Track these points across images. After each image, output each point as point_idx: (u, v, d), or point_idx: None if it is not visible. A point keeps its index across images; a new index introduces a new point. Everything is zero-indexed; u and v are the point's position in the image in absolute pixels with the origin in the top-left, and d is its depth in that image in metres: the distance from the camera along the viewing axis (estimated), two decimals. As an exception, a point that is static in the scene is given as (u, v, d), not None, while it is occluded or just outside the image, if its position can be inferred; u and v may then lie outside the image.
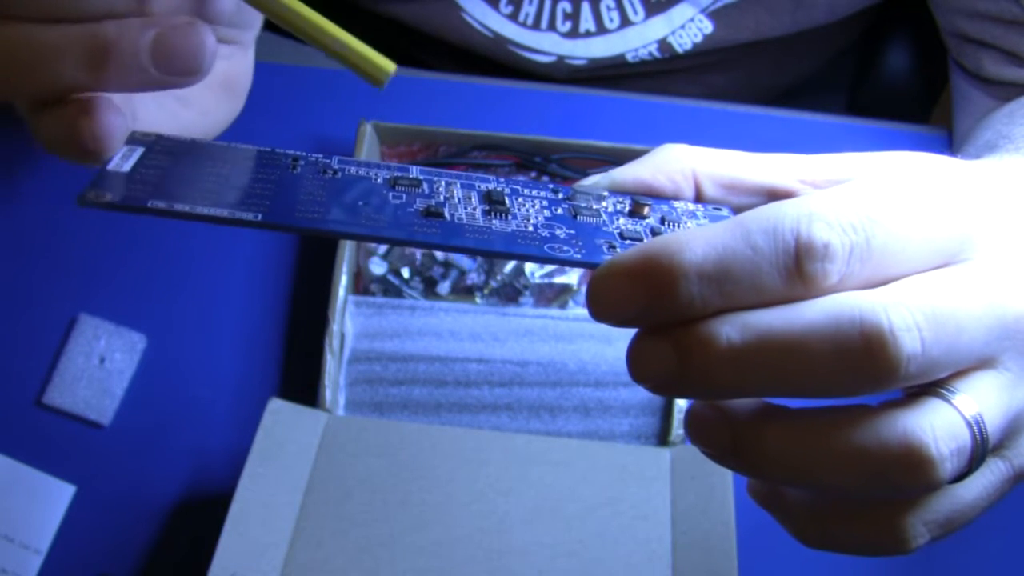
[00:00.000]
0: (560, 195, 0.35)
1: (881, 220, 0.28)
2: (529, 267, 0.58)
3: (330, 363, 0.53)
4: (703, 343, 0.27)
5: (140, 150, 0.33)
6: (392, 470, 0.49)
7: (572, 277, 0.57)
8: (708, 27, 0.67)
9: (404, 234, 0.31)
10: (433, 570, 0.46)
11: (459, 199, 0.33)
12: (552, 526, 0.48)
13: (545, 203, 0.34)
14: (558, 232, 0.32)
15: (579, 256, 0.31)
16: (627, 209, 0.34)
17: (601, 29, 0.68)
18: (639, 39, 0.68)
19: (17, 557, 0.52)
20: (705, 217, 0.35)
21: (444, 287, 0.57)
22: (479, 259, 0.58)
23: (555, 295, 0.57)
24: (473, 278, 0.57)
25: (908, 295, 0.28)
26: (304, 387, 0.54)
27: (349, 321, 0.55)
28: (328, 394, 0.53)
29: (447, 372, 0.55)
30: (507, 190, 0.34)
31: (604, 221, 0.33)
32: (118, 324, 0.57)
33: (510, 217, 0.32)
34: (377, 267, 0.58)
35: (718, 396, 0.30)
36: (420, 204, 0.32)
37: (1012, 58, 0.59)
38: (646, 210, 0.34)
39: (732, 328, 0.27)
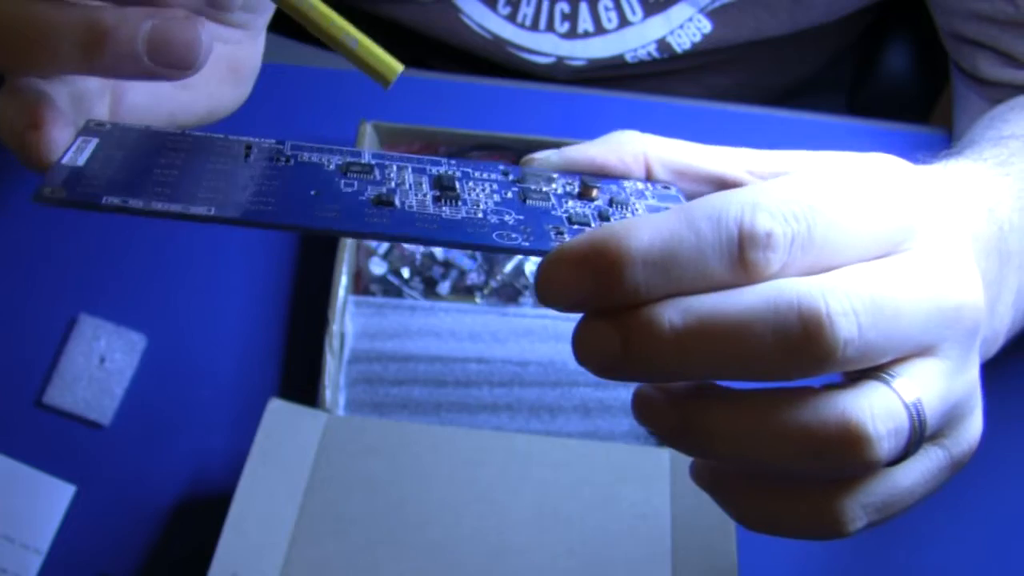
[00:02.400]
0: (510, 177, 0.35)
1: (823, 210, 0.29)
2: (529, 267, 0.58)
3: (330, 363, 0.53)
4: (645, 327, 0.28)
5: (94, 141, 0.33)
6: (392, 470, 0.49)
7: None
8: (707, 27, 0.67)
9: (355, 225, 0.31)
10: (433, 570, 0.46)
11: (410, 185, 0.33)
12: (552, 526, 0.48)
13: (495, 187, 0.34)
14: (507, 218, 0.32)
15: (527, 244, 0.31)
16: (576, 191, 0.35)
17: (599, 29, 0.68)
18: (638, 39, 0.68)
19: (17, 557, 0.52)
20: (654, 196, 0.35)
21: (444, 287, 0.57)
22: (479, 259, 0.58)
23: (555, 295, 0.57)
24: (473, 278, 0.58)
25: (847, 281, 0.28)
26: (304, 387, 0.54)
27: (349, 321, 0.55)
28: (328, 394, 0.53)
29: (447, 372, 0.55)
30: (458, 173, 0.34)
31: (553, 205, 0.34)
32: (118, 324, 0.57)
33: (460, 203, 0.33)
34: (377, 267, 0.58)
35: (661, 379, 0.30)
36: (371, 192, 0.32)
37: (1007, 59, 0.59)
38: (595, 192, 0.34)
39: (674, 312, 0.28)
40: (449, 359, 0.55)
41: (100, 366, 0.56)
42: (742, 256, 0.28)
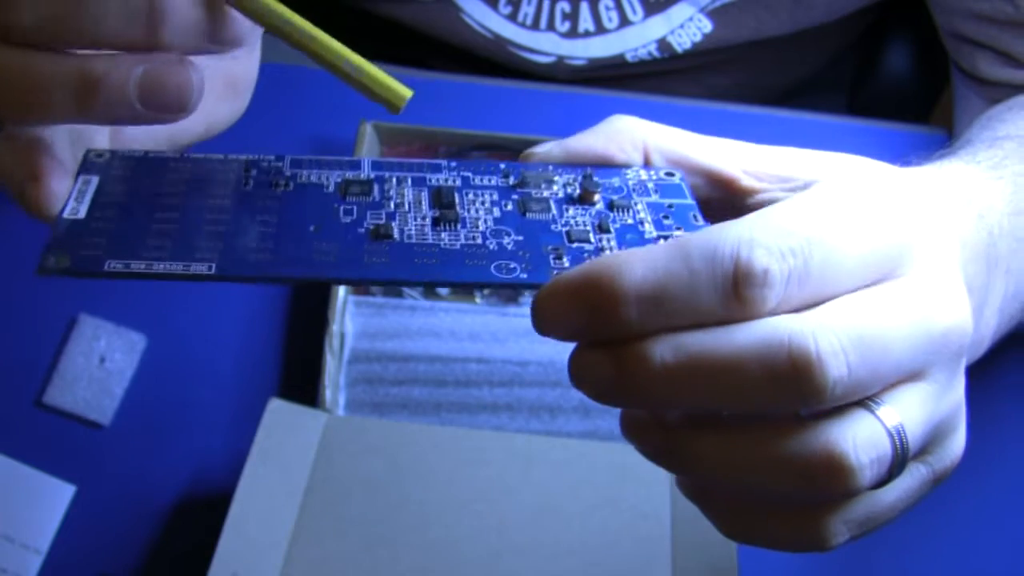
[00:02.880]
0: (511, 180, 0.35)
1: (820, 243, 0.29)
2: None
3: (330, 363, 0.53)
4: (638, 361, 0.28)
5: (94, 181, 0.33)
6: (392, 470, 0.49)
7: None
8: (707, 26, 0.67)
9: (354, 272, 0.31)
10: (433, 570, 0.46)
11: (409, 204, 0.33)
12: (552, 526, 0.48)
13: (495, 196, 0.34)
14: (506, 241, 0.33)
15: (525, 276, 0.32)
16: (577, 193, 0.35)
17: (600, 29, 0.68)
18: (638, 39, 0.68)
19: (17, 557, 0.52)
20: (656, 185, 0.36)
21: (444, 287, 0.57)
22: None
23: (555, 295, 0.57)
24: (473, 278, 0.57)
25: (836, 318, 0.29)
26: (304, 387, 0.54)
27: (349, 321, 0.55)
28: (328, 394, 0.53)
29: (447, 372, 0.55)
30: (458, 182, 0.35)
31: (553, 216, 0.34)
32: (118, 324, 0.57)
33: (459, 226, 0.33)
34: (377, 267, 0.58)
35: (654, 408, 0.31)
36: (370, 221, 0.33)
37: (1007, 59, 0.60)
38: (595, 196, 0.35)
39: (666, 348, 0.28)
40: (449, 359, 0.55)
41: (100, 366, 0.56)
42: (737, 293, 0.28)
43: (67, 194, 0.33)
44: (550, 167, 0.36)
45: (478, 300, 0.57)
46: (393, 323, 0.56)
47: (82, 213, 0.32)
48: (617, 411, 0.53)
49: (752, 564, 0.47)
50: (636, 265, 0.28)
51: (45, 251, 0.31)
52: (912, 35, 0.83)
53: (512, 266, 0.32)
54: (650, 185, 0.35)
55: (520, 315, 0.56)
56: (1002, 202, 0.41)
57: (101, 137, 0.37)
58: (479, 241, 0.32)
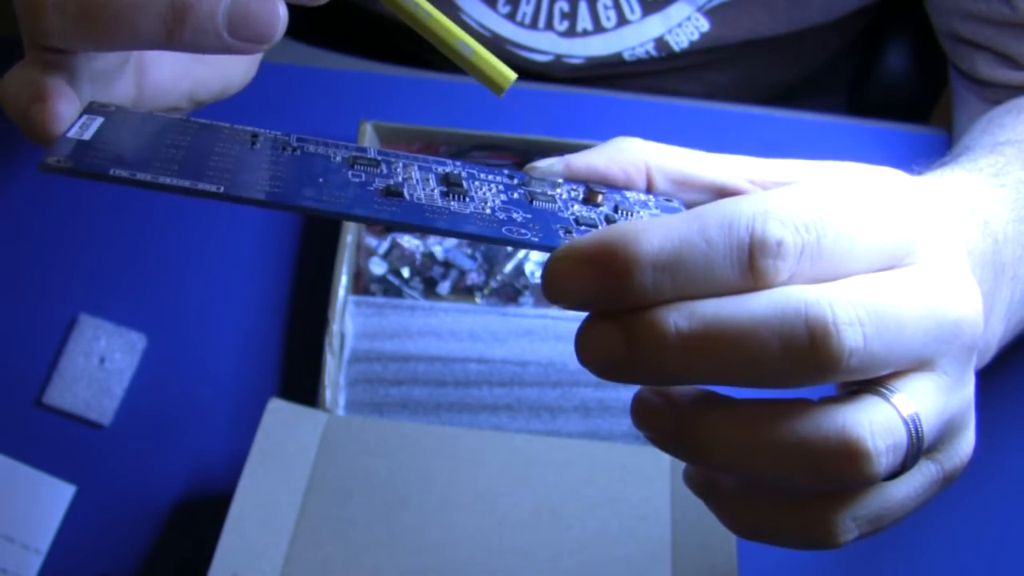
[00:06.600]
0: (515, 180, 0.35)
1: (832, 221, 0.29)
2: (529, 267, 0.58)
3: (330, 363, 0.53)
4: (651, 329, 0.28)
5: (99, 120, 0.33)
6: (392, 470, 0.49)
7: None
8: (705, 25, 0.67)
9: (367, 211, 0.31)
10: (433, 570, 0.46)
11: (417, 180, 0.33)
12: (552, 526, 0.48)
13: (501, 187, 0.34)
14: (515, 216, 0.32)
15: (536, 239, 0.31)
16: (581, 197, 0.35)
17: (598, 28, 0.68)
18: (636, 37, 0.68)
19: (17, 557, 0.52)
20: (657, 207, 0.35)
21: (444, 287, 0.57)
22: (479, 259, 0.58)
23: (555, 295, 0.57)
24: (473, 278, 0.58)
25: (853, 291, 0.29)
26: (304, 387, 0.54)
27: (349, 321, 0.55)
28: (328, 394, 0.53)
29: (447, 372, 0.55)
30: (464, 173, 0.34)
31: (560, 207, 0.34)
32: (118, 324, 0.57)
33: (468, 199, 0.33)
34: (377, 267, 0.58)
35: (664, 382, 0.30)
36: (379, 184, 0.32)
37: (1004, 60, 0.60)
38: (600, 198, 0.35)
39: (680, 316, 0.28)
40: (449, 359, 0.55)
41: (100, 366, 0.56)
42: (752, 263, 0.28)
43: (71, 121, 0.33)
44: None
45: (478, 300, 0.57)
46: (393, 323, 0.56)
47: (87, 136, 0.32)
48: (617, 411, 0.52)
49: (752, 565, 0.47)
50: (653, 232, 0.28)
51: (47, 151, 0.30)
52: (912, 35, 0.83)
53: (523, 232, 0.32)
54: (651, 204, 0.35)
55: (520, 315, 0.56)
56: (1006, 209, 0.41)
57: (125, 82, 0.37)
58: (488, 212, 0.32)
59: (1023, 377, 0.56)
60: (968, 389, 0.32)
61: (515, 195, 0.34)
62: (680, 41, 0.68)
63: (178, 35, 0.32)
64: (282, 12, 0.33)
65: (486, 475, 0.49)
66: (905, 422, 0.29)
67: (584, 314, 0.30)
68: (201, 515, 0.52)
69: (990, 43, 0.60)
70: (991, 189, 0.41)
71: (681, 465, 0.49)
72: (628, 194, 0.36)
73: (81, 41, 0.33)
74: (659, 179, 0.36)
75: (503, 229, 0.31)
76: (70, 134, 0.32)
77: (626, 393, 0.54)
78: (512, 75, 0.34)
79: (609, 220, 0.34)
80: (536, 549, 0.47)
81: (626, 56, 0.69)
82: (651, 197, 0.36)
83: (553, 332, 0.55)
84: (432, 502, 0.48)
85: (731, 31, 0.67)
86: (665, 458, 0.50)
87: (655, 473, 0.49)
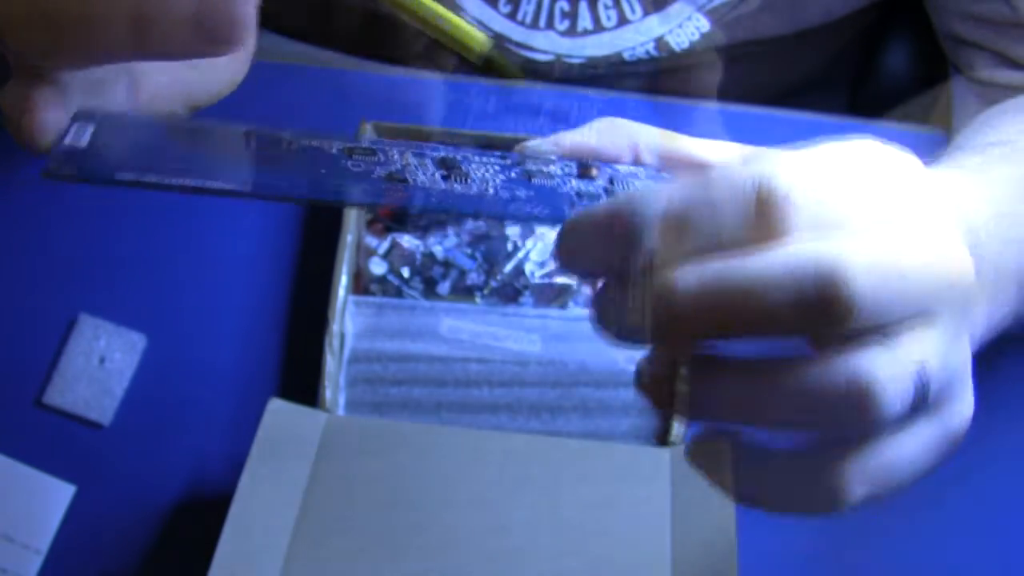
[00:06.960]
0: (508, 161, 0.36)
1: (837, 177, 0.30)
2: (529, 267, 0.58)
3: (330, 363, 0.53)
4: (663, 287, 0.29)
5: (91, 127, 0.33)
6: (392, 470, 0.49)
7: (572, 277, 0.57)
8: (705, 25, 0.67)
9: (374, 197, 0.31)
10: (433, 570, 0.46)
11: (415, 166, 0.34)
12: (552, 526, 0.48)
13: (497, 168, 0.35)
14: (519, 193, 0.33)
15: (546, 212, 0.32)
16: (575, 172, 0.35)
17: (599, 27, 0.68)
18: (636, 37, 0.68)
19: (17, 557, 0.52)
20: (648, 179, 0.36)
21: (444, 287, 0.57)
22: (479, 259, 0.58)
23: (555, 295, 0.57)
24: (473, 278, 0.58)
25: (857, 242, 0.29)
26: (304, 387, 0.54)
27: (349, 321, 0.55)
28: (328, 394, 0.53)
29: (447, 372, 0.55)
30: (459, 156, 0.35)
31: (559, 183, 0.34)
32: (118, 324, 0.57)
33: (469, 181, 0.33)
34: (377, 267, 0.58)
35: (678, 341, 0.31)
36: (381, 171, 0.33)
37: (1004, 60, 0.60)
38: (594, 171, 0.35)
39: (692, 273, 0.29)
40: (449, 359, 0.55)
41: (100, 366, 0.56)
42: (759, 217, 0.29)
43: (60, 130, 0.33)
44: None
45: (478, 300, 0.57)
46: (393, 323, 0.56)
47: (83, 143, 0.32)
48: (617, 411, 0.52)
49: (752, 565, 0.47)
50: (660, 195, 0.29)
51: (49, 159, 0.31)
52: (912, 35, 0.83)
53: (528, 207, 0.32)
54: (641, 175, 0.36)
55: (520, 315, 0.56)
56: (986, 205, 0.41)
57: (119, 90, 0.37)
58: (491, 192, 0.33)
59: (1005, 380, 0.56)
60: (965, 348, 0.33)
61: (512, 174, 0.34)
62: (680, 41, 0.68)
63: (147, 42, 0.33)
64: (249, 14, 0.33)
65: (486, 475, 0.49)
66: (910, 367, 0.30)
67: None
68: (201, 515, 0.52)
69: (989, 44, 0.60)
70: (973, 187, 0.42)
71: (682, 466, 0.49)
72: (619, 167, 0.36)
73: (54, 60, 0.34)
74: (647, 157, 0.38)
75: (511, 206, 0.32)
76: (67, 141, 0.32)
77: (626, 393, 0.54)
78: (486, 39, 0.35)
79: (608, 192, 0.34)
80: (536, 549, 0.47)
81: (626, 56, 0.69)
82: (641, 168, 0.37)
83: (553, 332, 0.55)
84: (432, 502, 0.48)
85: (732, 31, 0.67)
86: (665, 458, 0.50)
87: (655, 473, 0.49)
